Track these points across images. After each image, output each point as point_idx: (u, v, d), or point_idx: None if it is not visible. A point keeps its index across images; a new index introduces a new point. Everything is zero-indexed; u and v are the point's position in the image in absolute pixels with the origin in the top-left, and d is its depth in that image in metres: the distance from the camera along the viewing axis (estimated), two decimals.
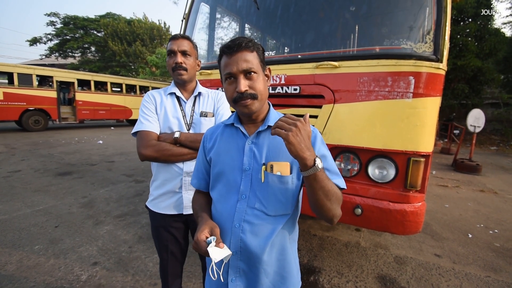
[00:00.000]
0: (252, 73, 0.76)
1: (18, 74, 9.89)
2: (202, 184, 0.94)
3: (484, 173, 5.99)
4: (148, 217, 2.97)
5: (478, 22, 9.92)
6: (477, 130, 5.75)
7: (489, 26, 10.13)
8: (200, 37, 2.86)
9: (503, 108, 11.95)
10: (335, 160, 1.81)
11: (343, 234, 2.88)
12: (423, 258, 2.46)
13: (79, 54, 24.03)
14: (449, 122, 9.31)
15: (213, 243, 0.69)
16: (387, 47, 1.83)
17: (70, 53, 23.42)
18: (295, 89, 1.90)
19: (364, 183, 1.74)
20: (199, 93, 1.34)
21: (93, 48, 24.02)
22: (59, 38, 22.31)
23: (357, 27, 1.91)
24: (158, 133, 1.24)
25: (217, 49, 2.89)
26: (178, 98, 1.30)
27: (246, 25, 2.98)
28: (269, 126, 0.82)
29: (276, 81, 2.00)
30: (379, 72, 1.64)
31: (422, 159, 1.61)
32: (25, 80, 10.06)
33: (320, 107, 1.81)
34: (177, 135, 1.20)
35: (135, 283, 1.96)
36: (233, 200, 0.80)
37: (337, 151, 1.80)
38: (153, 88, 14.98)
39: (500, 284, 2.11)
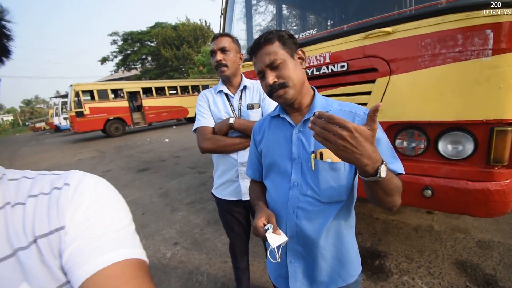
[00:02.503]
0: (276, 63, 0.75)
1: (97, 90, 11.95)
2: (256, 174, 0.99)
3: None
4: (213, 203, 3.30)
5: None
6: None
7: None
8: (239, 28, 2.89)
9: None
10: (395, 139, 1.65)
11: (411, 217, 2.63)
12: None
13: (139, 65, 27.16)
14: None
15: (270, 230, 0.73)
16: None
17: (132, 66, 26.71)
18: (342, 66, 1.77)
19: (434, 161, 1.54)
20: (245, 87, 1.39)
21: (149, 58, 26.82)
22: (122, 54, 25.60)
23: None
24: (213, 127, 1.36)
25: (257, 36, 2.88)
26: (226, 94, 1.39)
27: (284, 6, 2.87)
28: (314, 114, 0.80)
29: (320, 60, 1.90)
30: (445, 31, 1.40)
31: (510, 128, 1.33)
32: (102, 94, 12.06)
33: (373, 81, 1.66)
34: (231, 121, 1.30)
35: (209, 261, 2.25)
36: (286, 188, 0.82)
37: (398, 128, 1.63)
38: (203, 86, 15.92)
39: None
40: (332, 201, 0.79)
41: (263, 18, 3.08)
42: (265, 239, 0.74)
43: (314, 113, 0.57)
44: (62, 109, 18.37)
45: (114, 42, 25.22)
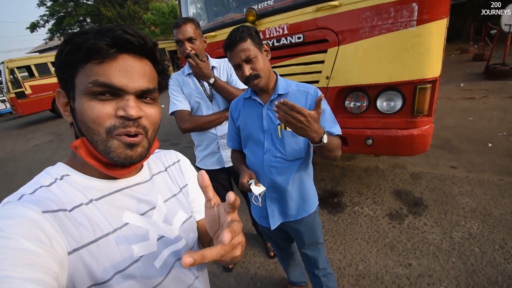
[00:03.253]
0: (250, 58, 0.95)
1: (35, 65, 10.21)
2: (235, 144, 1.23)
3: None
4: None
5: None
6: None
7: None
8: None
9: None
10: (345, 100, 1.96)
11: (362, 161, 3.17)
12: (438, 171, 2.71)
13: (78, 29, 23.42)
14: (484, 24, 8.21)
15: (253, 183, 1.00)
16: None
17: (69, 30, 22.92)
18: (299, 38, 1.96)
19: (374, 116, 1.91)
20: (212, 67, 1.52)
21: (88, 20, 23.13)
22: (54, 18, 21.66)
23: None
24: (189, 110, 1.50)
25: (215, 8, 2.84)
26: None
27: None
28: (279, 95, 1.03)
29: (279, 32, 2.05)
30: (381, 4, 1.63)
31: (429, 85, 1.70)
32: (42, 69, 10.38)
33: (325, 51, 1.89)
34: (211, 80, 1.37)
35: None
36: (261, 153, 1.09)
37: (346, 91, 1.94)
38: (160, 49, 14.56)
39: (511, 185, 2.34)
40: (294, 158, 1.07)
41: None
42: (249, 191, 1.01)
43: (281, 100, 0.80)
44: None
45: (42, 3, 21.06)
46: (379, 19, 1.66)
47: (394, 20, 1.63)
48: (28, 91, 10.12)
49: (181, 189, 0.66)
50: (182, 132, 1.50)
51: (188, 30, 1.37)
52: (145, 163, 0.62)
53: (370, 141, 1.86)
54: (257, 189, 0.98)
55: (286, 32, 2.01)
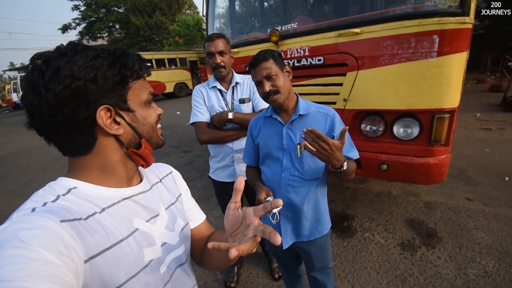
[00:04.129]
0: (271, 75, 1.00)
1: None
2: (252, 161, 1.25)
3: None
4: (202, 181, 3.51)
5: None
6: None
7: None
8: (221, 15, 2.96)
9: None
10: (361, 123, 1.98)
11: (375, 185, 3.12)
12: (453, 202, 2.64)
13: (106, 34, 24.73)
14: (502, 54, 8.16)
15: (271, 200, 1.01)
16: (409, 6, 1.80)
17: (98, 34, 24.23)
18: (319, 60, 2.02)
19: (390, 142, 1.91)
20: (236, 83, 1.59)
21: (117, 26, 24.44)
22: (86, 21, 23.04)
23: None
24: (209, 122, 1.56)
25: (239, 25, 2.97)
26: (219, 90, 1.58)
27: None
28: (299, 115, 1.06)
29: (300, 53, 2.12)
30: (402, 34, 1.68)
31: (447, 115, 1.70)
32: None
33: (344, 74, 1.93)
34: (230, 116, 1.48)
35: None
36: (279, 171, 1.11)
37: (363, 114, 1.96)
38: (180, 59, 15.02)
39: None
40: (312, 178, 1.09)
41: (246, 8, 3.14)
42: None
43: (309, 128, 0.85)
44: (21, 84, 16.59)
45: (76, 7, 22.50)
46: (400, 48, 1.70)
47: (415, 50, 1.66)
48: None
49: (177, 198, 0.71)
50: (199, 143, 1.55)
51: (220, 44, 1.46)
52: (144, 174, 0.66)
53: (385, 166, 1.85)
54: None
55: (307, 53, 2.07)
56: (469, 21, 1.56)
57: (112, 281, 0.47)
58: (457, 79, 1.68)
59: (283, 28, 2.22)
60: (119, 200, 0.55)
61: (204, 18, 2.95)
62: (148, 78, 0.60)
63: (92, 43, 25.06)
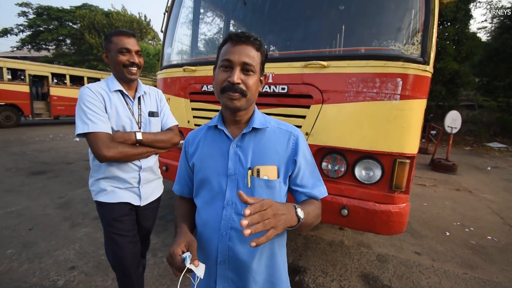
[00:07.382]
0: (250, 70, 0.71)
1: None
2: (184, 190, 0.88)
3: (460, 173, 6.29)
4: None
5: (457, 26, 10.33)
6: (454, 131, 6.01)
7: (467, 30, 10.61)
8: (183, 32, 2.76)
9: (477, 110, 12.59)
10: (322, 161, 1.79)
11: (327, 233, 2.90)
12: (404, 256, 2.53)
13: (54, 46, 22.50)
14: (427, 123, 9.69)
15: (188, 260, 0.63)
16: (376, 47, 1.83)
17: (43, 46, 21.88)
18: (283, 88, 1.86)
19: (351, 184, 1.74)
20: (144, 92, 1.34)
21: (68, 41, 22.57)
22: (31, 30, 20.81)
23: (346, 27, 1.90)
24: (111, 133, 1.18)
25: (200, 45, 2.80)
26: (124, 96, 1.26)
27: (232, 21, 2.90)
28: (254, 128, 0.77)
29: None
30: (367, 73, 1.64)
31: (407, 161, 1.63)
32: None
33: (308, 107, 1.79)
34: (139, 136, 1.22)
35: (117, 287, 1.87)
36: (219, 207, 0.75)
37: (325, 151, 1.79)
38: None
39: (476, 280, 2.21)
40: None
41: (209, 29, 3.03)
42: (179, 269, 0.64)
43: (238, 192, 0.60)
44: None
45: (24, 13, 20.42)
46: (365, 86, 1.64)
47: (379, 90, 1.61)
48: None
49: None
50: (100, 161, 1.15)
51: (136, 45, 1.24)
52: None
53: (345, 211, 1.63)
54: (198, 269, 0.63)
55: (270, 81, 1.91)
56: (429, 69, 1.59)
57: None
58: (417, 125, 1.65)
59: None
60: None
61: (163, 34, 2.72)
62: None
63: (34, 53, 22.57)
